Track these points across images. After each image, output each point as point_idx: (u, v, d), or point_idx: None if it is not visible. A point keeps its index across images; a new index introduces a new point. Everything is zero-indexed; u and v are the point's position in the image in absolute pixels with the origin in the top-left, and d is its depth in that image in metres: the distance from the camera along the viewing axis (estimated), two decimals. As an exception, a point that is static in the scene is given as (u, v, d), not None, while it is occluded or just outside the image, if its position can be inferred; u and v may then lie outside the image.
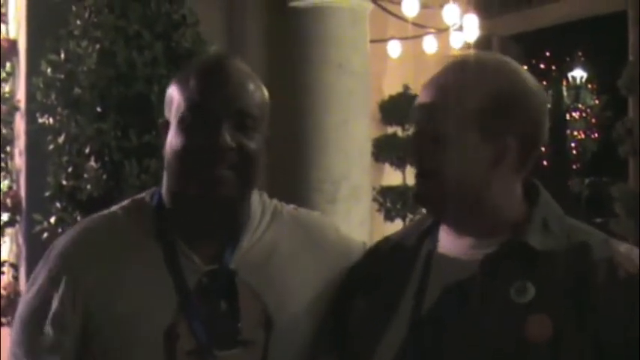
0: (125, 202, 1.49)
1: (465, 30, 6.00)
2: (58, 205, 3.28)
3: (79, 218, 3.12)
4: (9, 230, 4.44)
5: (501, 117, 1.31)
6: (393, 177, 6.59)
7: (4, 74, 4.51)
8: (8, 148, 4.48)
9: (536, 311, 1.25)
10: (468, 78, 1.34)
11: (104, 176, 3.16)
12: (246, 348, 1.38)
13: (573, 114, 14.88)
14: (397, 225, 6.12)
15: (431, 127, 1.34)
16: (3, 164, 4.45)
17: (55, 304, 1.37)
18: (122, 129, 3.17)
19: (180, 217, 1.42)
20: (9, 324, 3.99)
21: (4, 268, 4.36)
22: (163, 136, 1.43)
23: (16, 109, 4.44)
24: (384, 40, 6.31)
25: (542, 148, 1.43)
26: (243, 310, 1.38)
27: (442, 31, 6.17)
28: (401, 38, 6.33)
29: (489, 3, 7.35)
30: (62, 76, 3.31)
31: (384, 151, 6.46)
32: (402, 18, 5.82)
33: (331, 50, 4.94)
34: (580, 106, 14.84)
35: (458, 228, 1.37)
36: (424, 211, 1.45)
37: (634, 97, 5.99)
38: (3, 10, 4.62)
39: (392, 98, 6.61)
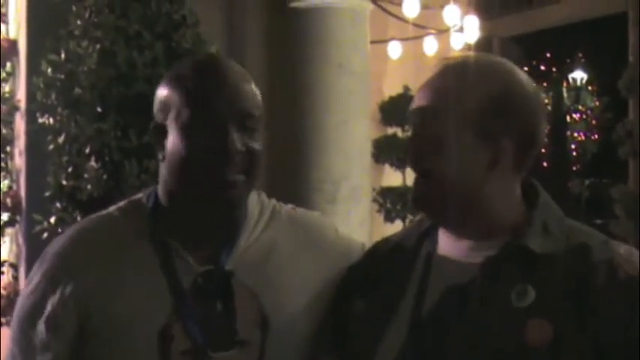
0: (121, 203, 1.49)
1: (465, 31, 6.01)
2: (58, 205, 3.28)
3: (79, 218, 3.11)
4: (9, 230, 4.45)
5: (496, 118, 1.31)
6: (393, 178, 6.59)
7: (4, 74, 4.51)
8: (8, 148, 4.49)
9: (536, 315, 1.25)
10: (462, 80, 1.34)
11: (104, 176, 3.16)
12: (242, 348, 1.38)
13: (573, 115, 14.88)
14: (397, 226, 6.12)
15: (427, 130, 1.34)
16: (3, 164, 4.46)
17: (50, 303, 1.37)
18: (122, 129, 3.17)
19: (179, 218, 1.42)
20: (8, 324, 3.99)
21: (4, 268, 4.36)
22: (157, 140, 1.41)
23: (17, 109, 4.44)
24: (385, 41, 6.31)
25: (542, 150, 1.43)
26: (239, 311, 1.38)
27: (443, 32, 6.18)
28: (401, 39, 6.33)
29: (490, 4, 7.35)
30: (62, 76, 3.31)
31: (384, 151, 6.47)
32: (402, 19, 5.83)
33: (331, 51, 4.94)
34: (580, 107, 14.84)
35: (457, 231, 1.37)
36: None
37: (634, 98, 5.99)
38: (3, 10, 4.62)
39: (392, 99, 6.61)
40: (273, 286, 1.42)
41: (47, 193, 3.31)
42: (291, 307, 1.42)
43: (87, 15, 3.32)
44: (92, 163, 3.18)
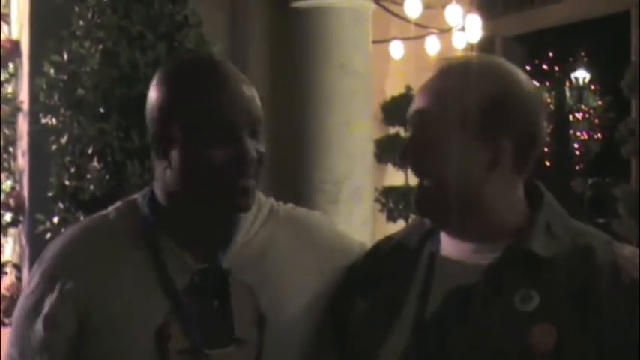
0: (118, 204, 1.50)
1: (467, 31, 6.00)
2: (60, 205, 3.28)
3: (81, 218, 3.12)
4: (12, 230, 4.45)
5: (495, 119, 1.31)
6: (395, 178, 6.58)
7: (7, 75, 4.52)
8: (11, 149, 4.49)
9: (540, 320, 1.25)
10: (459, 81, 1.34)
11: (107, 177, 3.16)
12: (239, 346, 1.38)
13: (576, 115, 14.85)
14: (399, 226, 6.11)
15: (426, 132, 1.34)
16: (6, 165, 4.46)
17: (49, 303, 1.38)
18: (125, 130, 3.17)
19: (179, 218, 1.42)
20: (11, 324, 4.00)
21: (7, 269, 4.37)
22: (162, 148, 1.40)
23: (19, 109, 4.45)
24: (387, 41, 6.30)
25: (544, 150, 1.43)
26: (236, 309, 1.38)
27: (445, 31, 6.17)
28: (403, 39, 6.32)
29: (492, 4, 7.34)
30: (65, 77, 3.31)
31: (387, 151, 6.46)
32: (404, 18, 5.82)
33: (333, 51, 4.94)
34: (583, 107, 14.81)
35: (460, 234, 1.36)
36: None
37: (636, 97, 5.98)
38: (6, 11, 4.62)
39: (394, 99, 6.60)
40: (271, 284, 1.42)
41: (50, 194, 3.32)
42: (289, 305, 1.42)
43: (89, 16, 3.32)
44: (95, 163, 3.18)
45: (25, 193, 4.36)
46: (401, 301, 1.36)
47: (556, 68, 14.28)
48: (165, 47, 3.23)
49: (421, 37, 6.24)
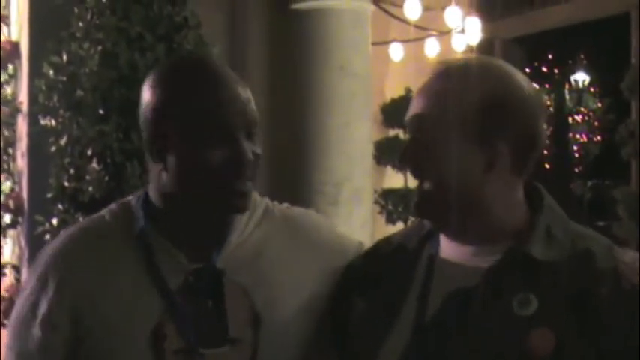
0: (112, 205, 1.50)
1: (467, 33, 6.00)
2: (60, 206, 3.28)
3: (80, 220, 3.12)
4: (11, 232, 4.45)
5: (491, 121, 1.30)
6: (394, 180, 6.58)
7: (6, 76, 4.51)
8: (10, 150, 4.49)
9: (538, 324, 1.25)
10: (456, 84, 1.33)
11: (106, 178, 3.16)
12: (234, 346, 1.38)
13: (576, 117, 14.85)
14: (399, 228, 6.10)
15: (424, 136, 1.34)
16: (5, 166, 4.46)
17: (44, 305, 1.38)
18: (124, 131, 3.17)
19: (175, 219, 1.42)
20: (10, 326, 3.99)
21: (7, 270, 4.37)
22: (157, 150, 1.40)
23: (19, 111, 4.45)
24: (386, 43, 6.30)
25: (543, 152, 1.42)
26: (231, 308, 1.38)
27: (444, 33, 6.16)
28: (403, 41, 6.32)
29: (491, 6, 7.34)
30: (64, 78, 3.31)
31: (386, 153, 6.45)
32: (404, 20, 5.82)
33: (333, 52, 4.94)
34: (582, 109, 14.80)
35: (459, 237, 1.36)
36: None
37: (636, 99, 5.98)
38: (5, 13, 4.62)
39: (394, 101, 6.60)
40: (266, 283, 1.42)
41: (49, 195, 3.32)
42: (285, 304, 1.42)
43: (89, 17, 3.32)
44: (94, 164, 3.18)
45: (25, 194, 4.36)
46: (401, 302, 1.36)
47: (556, 70, 14.28)
48: (164, 48, 3.23)
49: (421, 39, 6.23)
